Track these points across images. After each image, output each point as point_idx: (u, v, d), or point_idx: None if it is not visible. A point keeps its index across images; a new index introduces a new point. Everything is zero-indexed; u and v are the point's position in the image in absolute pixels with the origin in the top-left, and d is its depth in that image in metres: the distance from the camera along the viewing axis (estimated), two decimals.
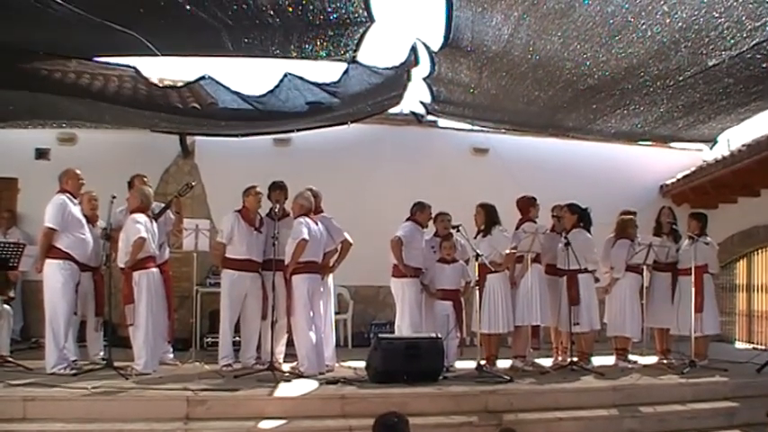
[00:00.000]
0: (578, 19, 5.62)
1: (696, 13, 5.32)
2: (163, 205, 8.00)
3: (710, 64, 6.29)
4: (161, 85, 8.90)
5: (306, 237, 7.26)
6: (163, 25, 6.07)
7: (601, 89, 7.28)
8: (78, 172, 7.40)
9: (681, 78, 6.75)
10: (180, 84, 9.15)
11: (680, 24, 5.53)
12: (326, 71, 7.52)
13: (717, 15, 5.32)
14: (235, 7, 5.70)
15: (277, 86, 7.50)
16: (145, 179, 8.08)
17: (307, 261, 7.37)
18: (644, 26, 5.63)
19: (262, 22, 6.01)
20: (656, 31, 5.69)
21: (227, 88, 7.80)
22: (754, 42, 5.74)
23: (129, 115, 8.37)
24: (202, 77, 7.98)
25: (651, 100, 7.58)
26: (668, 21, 5.49)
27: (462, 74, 7.40)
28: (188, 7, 5.60)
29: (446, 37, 6.24)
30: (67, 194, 7.25)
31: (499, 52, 6.53)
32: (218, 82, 7.74)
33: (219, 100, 8.00)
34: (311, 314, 7.42)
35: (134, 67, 8.11)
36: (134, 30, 6.03)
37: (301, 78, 7.44)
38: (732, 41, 5.77)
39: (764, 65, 6.25)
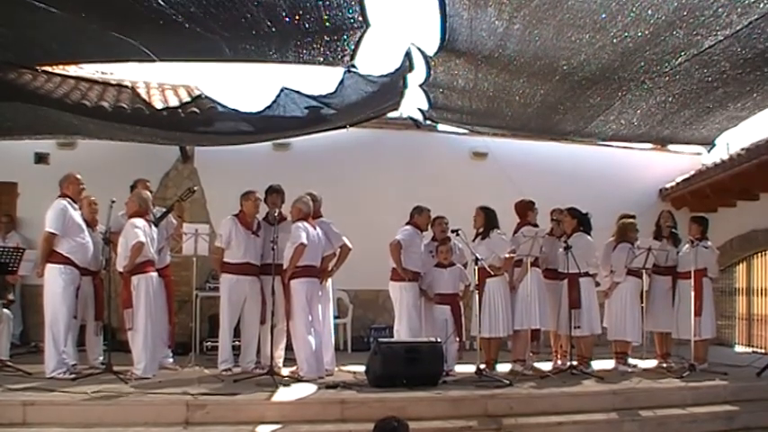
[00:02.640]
0: (573, 5, 5.62)
1: None
2: (164, 210, 8.02)
3: (706, 45, 6.26)
4: (159, 95, 8.97)
5: (304, 241, 7.27)
6: (161, 36, 6.10)
7: (597, 80, 7.26)
8: (79, 177, 7.41)
9: (677, 63, 6.71)
10: (179, 93, 9.24)
11: (674, 4, 5.52)
12: (322, 83, 7.57)
13: None
14: (233, 22, 5.73)
15: (274, 101, 7.52)
16: (147, 184, 8.09)
17: (305, 265, 7.37)
18: (638, 8, 5.63)
19: (259, 32, 6.04)
20: (652, 12, 5.66)
21: (225, 106, 7.84)
22: (750, 20, 5.72)
23: (127, 132, 8.37)
24: (199, 96, 8.01)
25: (648, 89, 7.56)
26: (662, 1, 5.50)
27: (458, 76, 7.40)
28: (186, 25, 5.64)
29: (442, 39, 6.25)
30: (68, 199, 7.26)
31: (494, 48, 6.51)
32: (214, 101, 7.78)
33: (218, 107, 8.04)
34: (310, 318, 7.43)
35: (132, 88, 8.16)
36: (132, 38, 6.06)
37: (298, 92, 7.48)
38: (728, 20, 5.73)
39: (759, 47, 6.24)
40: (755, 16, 5.63)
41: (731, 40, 6.12)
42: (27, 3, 5.22)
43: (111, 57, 7.38)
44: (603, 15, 5.56)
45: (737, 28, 5.85)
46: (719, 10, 5.55)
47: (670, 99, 7.85)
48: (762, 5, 5.45)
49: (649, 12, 5.64)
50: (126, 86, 9.12)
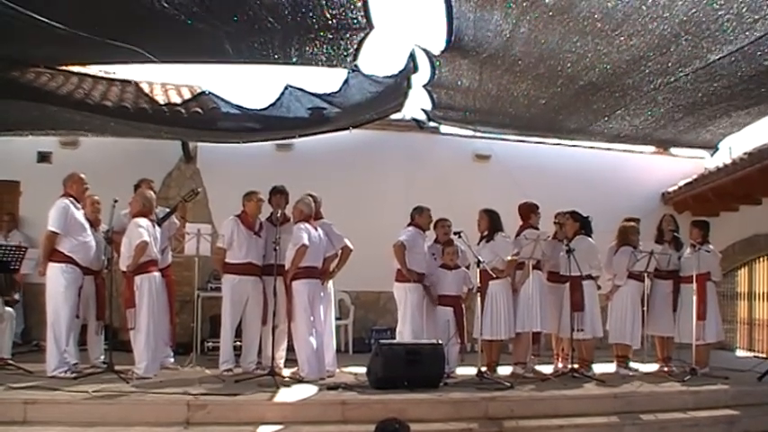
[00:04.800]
0: (579, 13, 5.62)
1: (697, 4, 5.32)
2: (168, 210, 8.02)
3: (711, 59, 6.27)
4: (162, 95, 8.97)
5: (306, 242, 7.27)
6: (163, 35, 6.11)
7: (602, 86, 7.25)
8: (83, 176, 7.41)
9: (682, 75, 6.73)
10: (182, 92, 9.23)
11: (681, 17, 5.52)
12: (327, 82, 7.58)
13: (717, 7, 5.31)
14: (235, 19, 5.74)
15: (278, 99, 7.53)
16: (152, 184, 8.10)
17: (307, 266, 7.37)
18: (645, 18, 5.63)
19: (262, 30, 6.04)
20: (657, 23, 5.68)
21: (228, 102, 7.83)
22: (755, 37, 5.73)
23: (130, 127, 8.38)
24: (203, 93, 8.01)
25: (652, 98, 7.56)
26: (669, 13, 5.49)
27: (463, 77, 7.41)
28: (189, 22, 5.64)
29: (448, 41, 6.26)
30: (71, 198, 7.26)
31: (499, 50, 6.53)
32: (218, 97, 7.78)
33: (222, 106, 8.05)
34: (311, 319, 7.43)
35: (135, 83, 8.16)
36: (133, 36, 6.07)
37: (302, 90, 7.48)
38: (732, 35, 5.75)
39: (765, 62, 6.25)
40: (760, 33, 5.64)
41: (736, 56, 6.13)
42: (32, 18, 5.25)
43: (113, 59, 7.39)
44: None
45: (743, 43, 5.86)
46: (725, 24, 5.56)
47: (674, 108, 7.86)
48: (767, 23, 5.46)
49: (655, 23, 5.65)
50: (128, 82, 9.11)
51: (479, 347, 7.79)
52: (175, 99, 9.02)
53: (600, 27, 5.84)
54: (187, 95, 9.32)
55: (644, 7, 5.44)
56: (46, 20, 5.32)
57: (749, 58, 6.17)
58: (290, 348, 7.69)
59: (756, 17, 5.39)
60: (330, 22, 5.95)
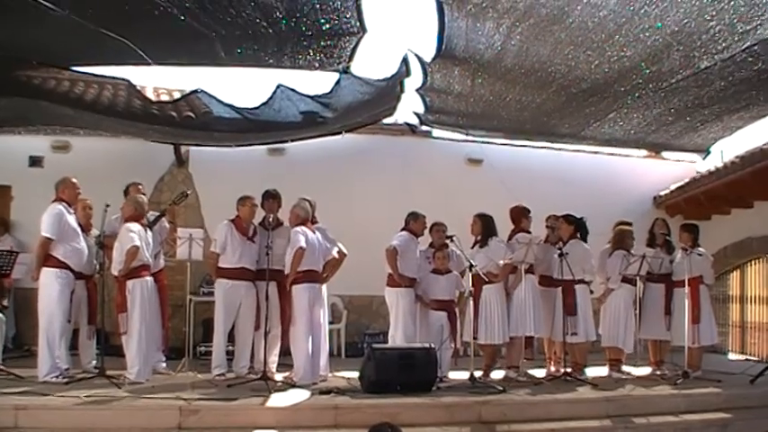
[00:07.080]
0: (571, 24, 5.65)
1: (688, 16, 5.36)
2: (157, 214, 8.00)
3: (702, 66, 6.32)
4: (155, 98, 8.91)
5: (303, 245, 7.25)
6: (156, 35, 6.09)
7: (593, 92, 7.30)
8: (75, 181, 7.38)
9: (673, 81, 6.78)
10: (174, 96, 9.18)
11: (673, 28, 5.56)
12: (319, 83, 7.57)
13: (709, 18, 5.36)
14: (228, 19, 5.72)
15: (270, 98, 7.52)
16: (140, 187, 8.07)
17: (307, 270, 7.36)
18: (637, 30, 5.66)
19: (255, 33, 6.04)
20: (649, 35, 5.72)
21: (220, 101, 7.81)
22: (746, 45, 5.78)
23: (123, 126, 8.35)
24: (195, 91, 7.99)
25: (644, 103, 7.61)
26: (660, 24, 5.53)
27: (455, 82, 7.43)
28: (182, 18, 5.62)
29: (439, 47, 6.27)
30: (63, 204, 7.23)
31: (491, 59, 6.56)
32: (210, 95, 7.76)
33: (214, 109, 8.02)
34: (310, 324, 7.41)
35: (127, 80, 8.13)
36: (127, 39, 6.05)
37: (293, 90, 7.47)
38: (724, 45, 5.80)
39: (755, 68, 6.29)
40: (749, 42, 5.68)
41: (727, 63, 6.17)
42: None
43: (107, 60, 7.36)
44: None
45: (734, 52, 5.89)
46: (716, 35, 5.59)
47: (666, 112, 7.91)
48: (758, 32, 5.49)
49: (647, 34, 5.68)
50: (122, 79, 9.05)
51: (472, 351, 7.79)
52: (169, 106, 8.96)
53: (591, 37, 5.87)
54: (178, 96, 9.26)
55: (636, 18, 5.47)
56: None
57: (739, 65, 6.21)
58: (284, 353, 7.68)
59: (747, 27, 5.43)
60: (323, 27, 5.95)
